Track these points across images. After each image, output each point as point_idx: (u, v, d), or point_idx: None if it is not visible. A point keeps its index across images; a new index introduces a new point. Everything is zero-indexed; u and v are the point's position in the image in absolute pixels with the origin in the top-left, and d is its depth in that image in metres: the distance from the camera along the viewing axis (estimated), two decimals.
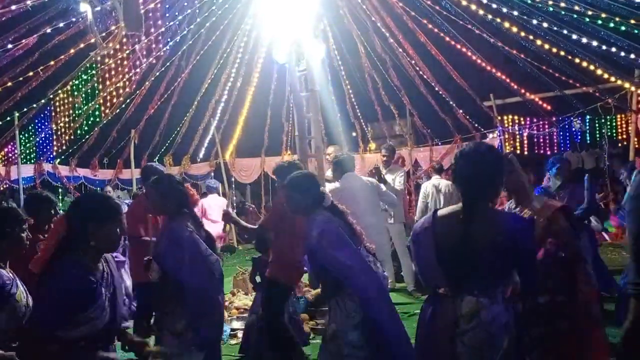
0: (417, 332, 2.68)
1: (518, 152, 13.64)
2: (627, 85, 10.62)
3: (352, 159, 6.42)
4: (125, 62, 10.64)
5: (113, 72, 10.89)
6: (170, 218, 3.62)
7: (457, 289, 2.47)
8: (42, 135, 12.32)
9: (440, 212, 2.60)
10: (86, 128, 12.13)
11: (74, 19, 8.17)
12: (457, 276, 2.46)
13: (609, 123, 13.12)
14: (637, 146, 10.86)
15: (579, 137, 14.00)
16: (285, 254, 4.43)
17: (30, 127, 12.10)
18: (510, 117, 13.81)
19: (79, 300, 2.34)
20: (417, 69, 11.85)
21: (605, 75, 10.36)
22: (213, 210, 8.64)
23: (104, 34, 7.52)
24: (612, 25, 8.61)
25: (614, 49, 9.11)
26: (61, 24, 8.32)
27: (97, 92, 11.31)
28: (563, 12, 8.89)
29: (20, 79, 9.23)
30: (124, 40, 9.55)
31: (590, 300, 3.36)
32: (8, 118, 10.25)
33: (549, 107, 12.74)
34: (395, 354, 3.31)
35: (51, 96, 10.72)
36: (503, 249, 2.37)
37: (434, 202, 8.07)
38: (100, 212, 2.47)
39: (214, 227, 8.06)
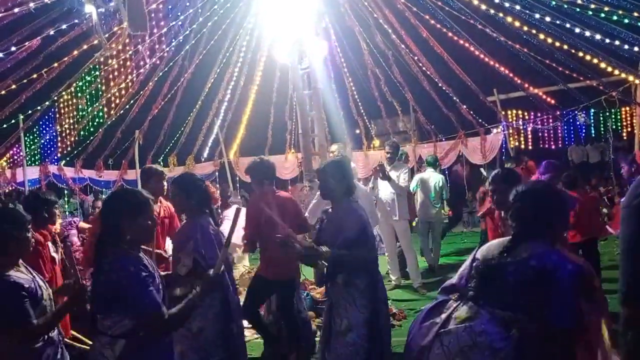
0: (412, 323, 2.72)
1: (522, 146, 13.63)
2: (631, 78, 10.58)
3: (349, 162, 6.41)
4: (128, 63, 10.67)
5: (116, 73, 10.92)
6: (192, 216, 3.72)
7: (466, 297, 2.49)
8: (47, 137, 12.37)
9: (494, 241, 2.63)
10: (91, 129, 12.17)
11: (77, 21, 8.19)
12: (474, 287, 2.48)
13: (613, 116, 13.08)
14: None
15: (584, 130, 13.99)
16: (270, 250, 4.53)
17: (35, 129, 12.16)
18: (514, 111, 13.79)
19: (147, 276, 2.44)
20: (420, 64, 11.83)
21: (609, 69, 10.32)
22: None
23: (107, 35, 7.54)
24: (615, 18, 8.59)
25: (617, 42, 9.08)
26: (64, 26, 8.35)
27: (100, 93, 11.35)
28: (566, 6, 8.87)
29: (25, 81, 9.26)
30: (127, 41, 9.58)
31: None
32: (13, 121, 10.29)
33: (553, 101, 12.71)
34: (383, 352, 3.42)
35: (55, 98, 10.75)
36: (528, 284, 2.31)
37: (424, 194, 8.12)
38: (131, 207, 2.56)
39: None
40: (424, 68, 11.89)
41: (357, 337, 3.37)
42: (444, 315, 2.48)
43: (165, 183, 5.02)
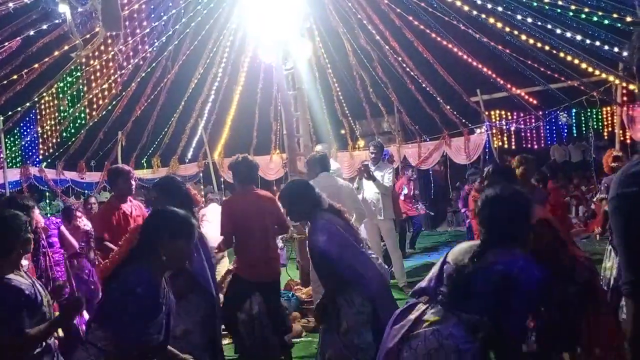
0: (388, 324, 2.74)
1: (505, 146, 13.74)
2: (611, 78, 10.72)
3: (325, 157, 5.98)
4: (110, 64, 10.55)
5: (98, 74, 10.80)
6: None
7: (437, 300, 2.51)
8: (28, 139, 12.20)
9: (462, 244, 2.64)
10: (72, 131, 12.02)
11: (57, 21, 8.08)
12: (444, 292, 2.50)
13: (594, 116, 13.24)
14: (622, 138, 10.98)
15: (566, 130, 14.13)
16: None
17: (15, 131, 11.97)
18: (497, 112, 13.90)
19: (150, 307, 2.34)
20: (404, 65, 11.88)
21: (590, 69, 10.44)
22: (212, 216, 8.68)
23: (87, 36, 7.45)
24: (595, 19, 8.69)
25: (597, 43, 9.19)
26: (44, 26, 8.23)
27: (82, 94, 11.21)
28: (547, 7, 8.96)
29: (5, 82, 9.12)
30: (109, 41, 9.48)
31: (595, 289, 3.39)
32: None
33: (535, 102, 12.84)
34: None
35: (36, 99, 10.61)
36: (494, 289, 2.35)
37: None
38: (176, 227, 2.49)
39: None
40: (408, 69, 11.94)
41: (356, 336, 3.34)
42: (412, 317, 2.50)
43: (133, 182, 4.99)
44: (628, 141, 11.41)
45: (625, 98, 10.98)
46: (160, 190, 3.81)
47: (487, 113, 13.33)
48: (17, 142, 12.17)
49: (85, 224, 6.04)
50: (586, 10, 8.56)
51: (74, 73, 10.46)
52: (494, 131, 13.31)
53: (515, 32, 9.76)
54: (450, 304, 2.44)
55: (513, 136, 13.94)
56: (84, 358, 2.37)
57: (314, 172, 5.68)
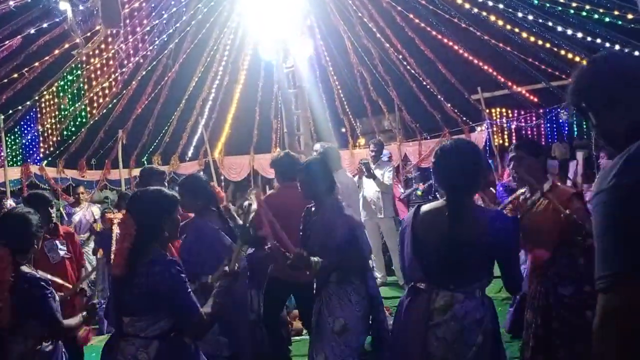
0: (393, 324, 2.72)
1: (506, 144, 13.74)
2: None
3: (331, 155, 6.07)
4: (111, 62, 10.56)
5: (99, 72, 10.81)
6: (197, 215, 3.80)
7: (434, 283, 2.51)
8: (29, 137, 12.21)
9: (423, 208, 2.62)
10: (73, 129, 12.03)
11: (57, 20, 8.08)
12: (434, 271, 2.49)
13: None
14: None
15: (566, 128, 14.14)
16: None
17: (16, 130, 11.99)
18: (498, 109, 13.90)
19: (185, 279, 2.45)
20: (405, 63, 11.88)
21: None
22: None
23: (88, 34, 7.46)
24: (596, 17, 8.68)
25: (598, 40, 9.19)
26: (45, 25, 8.24)
27: (83, 92, 11.22)
28: (548, 5, 8.96)
29: (5, 80, 9.13)
30: (110, 39, 9.48)
31: None
32: None
33: (536, 99, 12.83)
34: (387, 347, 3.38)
35: (37, 98, 10.61)
36: (484, 247, 2.40)
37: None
38: (169, 204, 2.59)
39: None
40: (408, 67, 11.94)
41: (355, 336, 3.31)
42: (423, 308, 2.50)
43: (166, 184, 4.95)
44: None
45: None
46: (187, 191, 3.79)
47: (487, 111, 13.30)
48: (17, 141, 12.19)
49: None
50: (587, 7, 8.55)
51: (75, 71, 10.47)
52: (495, 129, 13.31)
53: (517, 30, 9.76)
54: (452, 284, 2.46)
55: (514, 134, 13.95)
56: (133, 351, 2.37)
57: (335, 166, 5.62)
